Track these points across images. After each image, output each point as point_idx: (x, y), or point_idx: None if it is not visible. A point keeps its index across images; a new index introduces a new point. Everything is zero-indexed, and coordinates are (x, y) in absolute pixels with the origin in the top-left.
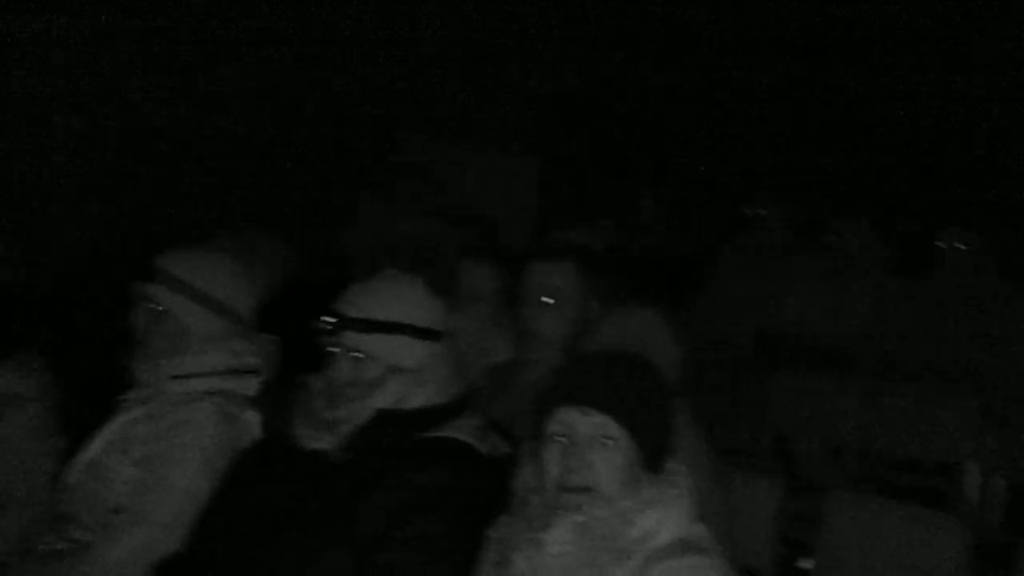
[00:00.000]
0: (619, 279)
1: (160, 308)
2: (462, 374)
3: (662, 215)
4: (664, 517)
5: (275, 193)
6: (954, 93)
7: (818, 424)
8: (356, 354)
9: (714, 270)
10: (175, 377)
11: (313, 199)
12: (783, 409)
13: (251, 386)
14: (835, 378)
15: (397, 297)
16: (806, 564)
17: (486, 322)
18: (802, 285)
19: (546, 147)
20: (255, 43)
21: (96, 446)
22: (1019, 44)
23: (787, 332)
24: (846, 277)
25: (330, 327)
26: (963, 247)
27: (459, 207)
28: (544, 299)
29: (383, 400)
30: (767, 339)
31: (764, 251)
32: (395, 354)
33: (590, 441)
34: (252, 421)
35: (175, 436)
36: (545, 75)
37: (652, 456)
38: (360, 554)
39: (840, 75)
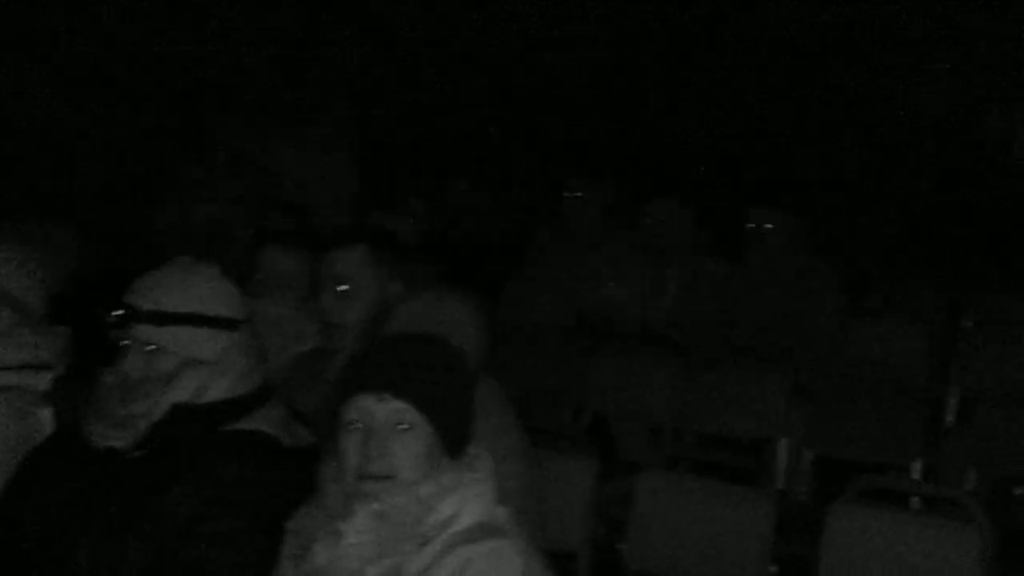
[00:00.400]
0: (427, 263)
1: None
2: (263, 364)
3: (477, 199)
4: (464, 502)
5: (75, 178)
6: (763, 74)
7: (635, 404)
8: (149, 347)
9: (531, 253)
10: None
11: (118, 183)
12: (601, 390)
13: (43, 381)
14: (650, 358)
15: (190, 286)
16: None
17: (293, 309)
18: (617, 267)
19: (364, 132)
20: (52, 24)
21: None
22: (805, 26)
23: (603, 314)
24: (660, 259)
25: (119, 320)
26: (772, 227)
27: (266, 192)
28: (339, 287)
29: (180, 394)
30: (584, 321)
31: (579, 234)
32: (190, 346)
33: (388, 428)
34: (45, 418)
35: None
36: (363, 58)
37: (452, 441)
38: (163, 552)
39: (652, 58)
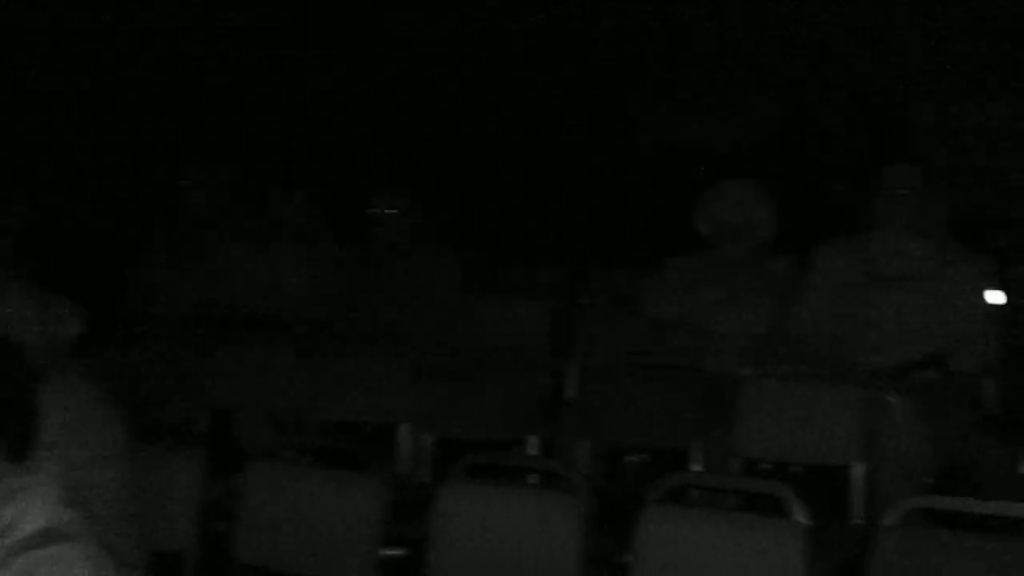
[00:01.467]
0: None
1: None
2: None
3: (86, 189)
4: (26, 508)
5: None
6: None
7: (255, 395)
8: None
9: (149, 243)
10: None
11: None
12: (221, 383)
13: None
14: (272, 348)
15: None
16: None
17: None
18: (236, 256)
19: None
20: None
21: None
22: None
23: (224, 305)
24: (280, 246)
25: None
26: (396, 211)
27: None
28: None
29: None
30: (203, 313)
31: (197, 222)
32: None
33: None
34: None
35: None
36: None
37: (12, 445)
38: None
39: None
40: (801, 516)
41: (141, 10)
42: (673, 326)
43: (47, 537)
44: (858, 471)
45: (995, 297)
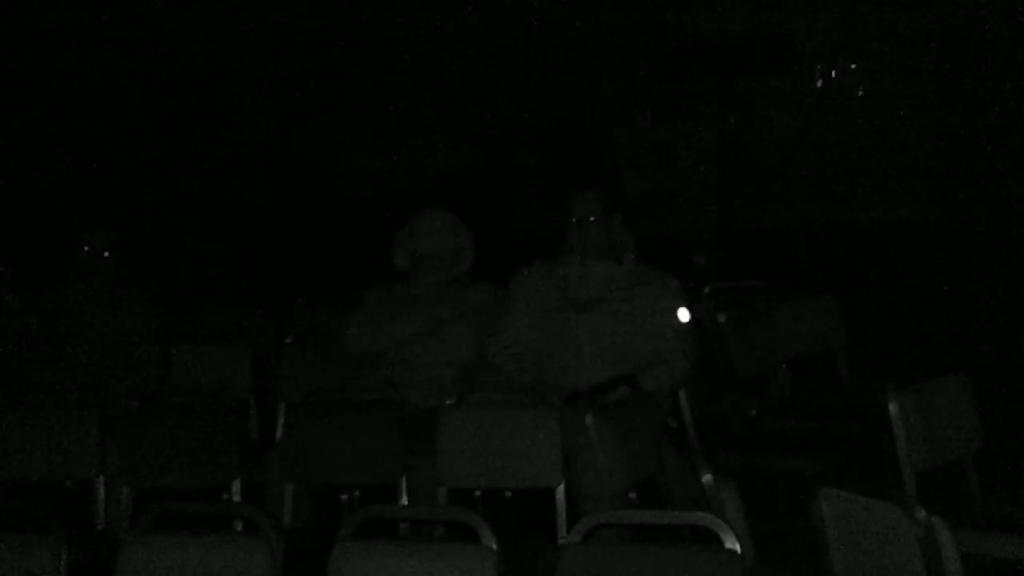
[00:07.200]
0: None
1: None
2: None
3: None
4: None
5: None
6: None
7: None
8: None
9: None
10: None
11: None
12: None
13: None
14: None
15: None
16: None
17: None
18: None
19: None
20: None
21: None
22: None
23: None
24: None
25: None
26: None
27: None
28: None
29: None
30: None
31: None
32: None
33: None
34: None
35: None
36: None
37: None
38: None
39: None
40: (491, 541)
41: None
42: (375, 360)
43: None
44: (561, 492)
45: (684, 315)
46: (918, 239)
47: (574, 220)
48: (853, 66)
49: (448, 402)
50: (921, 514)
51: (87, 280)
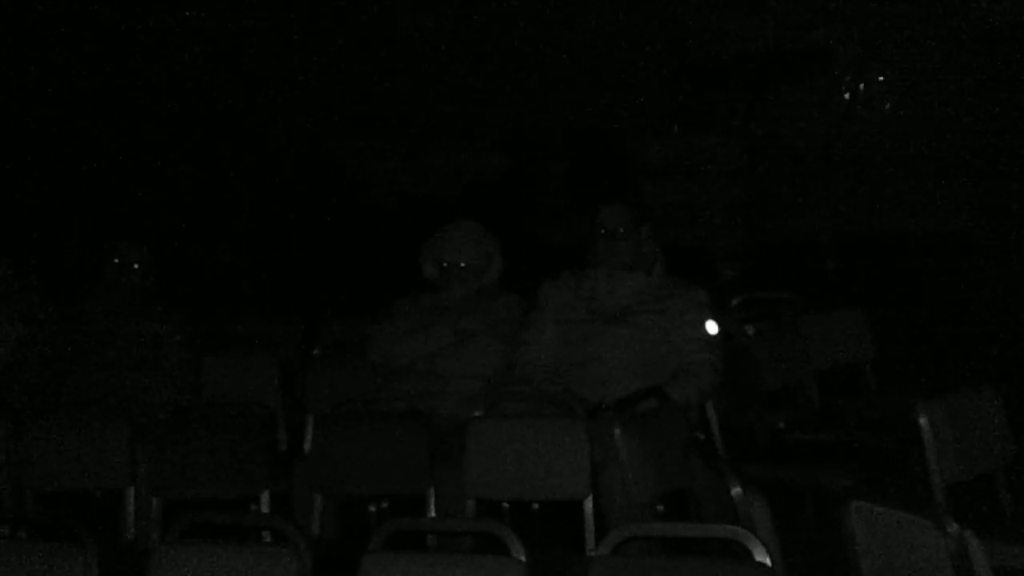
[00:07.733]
0: None
1: None
2: None
3: None
4: None
5: None
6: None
7: None
8: None
9: None
10: None
11: None
12: None
13: None
14: None
15: None
16: None
17: None
18: None
19: None
20: None
21: None
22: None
23: None
24: None
25: None
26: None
27: None
28: None
29: None
30: None
31: None
32: None
33: None
34: None
35: None
36: None
37: None
38: None
39: None
40: (520, 553)
41: None
42: (403, 372)
43: None
44: (589, 504)
45: (712, 327)
46: (947, 250)
47: (602, 232)
48: (881, 78)
49: (476, 414)
50: (953, 527)
51: (117, 291)
